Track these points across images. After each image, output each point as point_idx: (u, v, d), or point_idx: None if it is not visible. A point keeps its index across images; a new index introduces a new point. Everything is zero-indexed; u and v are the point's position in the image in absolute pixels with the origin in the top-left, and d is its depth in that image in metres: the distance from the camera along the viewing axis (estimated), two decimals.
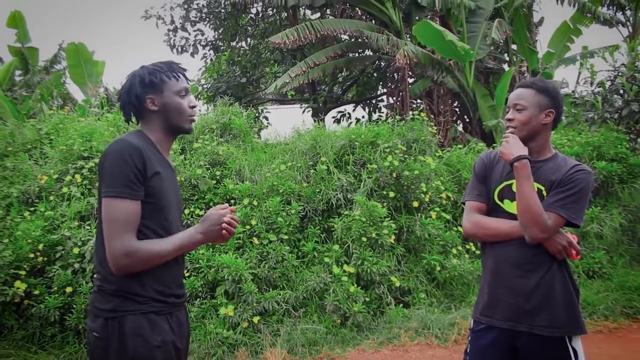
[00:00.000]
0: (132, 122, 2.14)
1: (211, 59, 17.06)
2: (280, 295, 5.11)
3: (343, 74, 16.32)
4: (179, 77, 2.07)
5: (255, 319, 4.87)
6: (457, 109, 13.12)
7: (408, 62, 9.92)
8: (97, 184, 5.49)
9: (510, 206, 2.34)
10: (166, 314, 1.96)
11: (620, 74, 9.21)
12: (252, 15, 16.06)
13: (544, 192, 2.28)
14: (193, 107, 2.10)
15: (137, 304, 1.88)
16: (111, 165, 1.86)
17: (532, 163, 2.28)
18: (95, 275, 1.98)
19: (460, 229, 6.18)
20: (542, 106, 2.31)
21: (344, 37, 13.86)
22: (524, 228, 2.22)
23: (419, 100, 13.34)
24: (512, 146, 2.28)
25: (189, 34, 16.09)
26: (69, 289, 4.69)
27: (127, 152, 1.86)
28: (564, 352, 2.21)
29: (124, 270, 1.84)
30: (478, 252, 6.08)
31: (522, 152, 2.25)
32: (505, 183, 2.37)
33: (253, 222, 5.45)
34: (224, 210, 1.99)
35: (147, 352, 1.86)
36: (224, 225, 1.96)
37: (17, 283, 4.60)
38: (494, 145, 8.61)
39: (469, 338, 2.43)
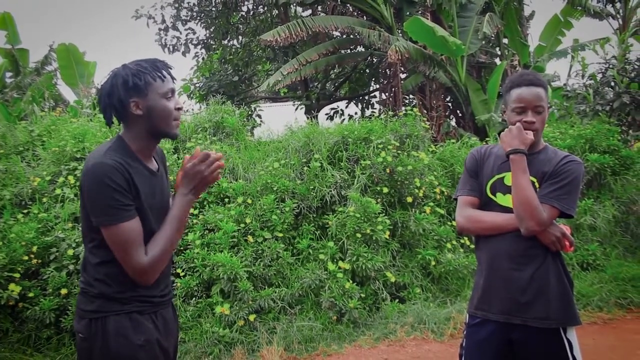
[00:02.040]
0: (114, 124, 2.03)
1: (203, 58, 17.01)
2: (275, 292, 5.11)
3: (335, 70, 16.31)
4: (165, 77, 1.96)
5: (252, 317, 4.87)
6: (449, 104, 13.14)
7: (400, 57, 9.92)
8: None
9: (502, 199, 2.35)
10: (150, 313, 1.96)
11: (611, 66, 9.26)
12: (243, 13, 16.02)
13: (536, 184, 2.29)
14: (179, 109, 2.00)
15: (120, 305, 1.88)
16: (96, 194, 1.81)
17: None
18: (80, 278, 1.99)
19: (454, 223, 6.19)
20: (548, 102, 2.34)
21: (336, 33, 13.83)
22: (520, 220, 2.22)
23: (411, 96, 13.36)
24: (514, 137, 2.27)
25: (180, 33, 16.05)
26: (63, 291, 4.67)
27: (107, 176, 1.79)
28: (559, 343, 2.23)
29: (148, 283, 1.87)
30: (472, 246, 6.09)
31: (520, 146, 2.25)
32: (497, 176, 2.38)
33: (247, 220, 5.44)
34: (199, 161, 1.95)
35: (130, 352, 1.87)
36: (214, 175, 1.97)
37: (12, 286, 4.58)
38: (487, 139, 8.63)
39: (465, 332, 2.44)
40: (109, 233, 1.82)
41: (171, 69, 2.02)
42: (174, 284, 4.93)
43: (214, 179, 2.00)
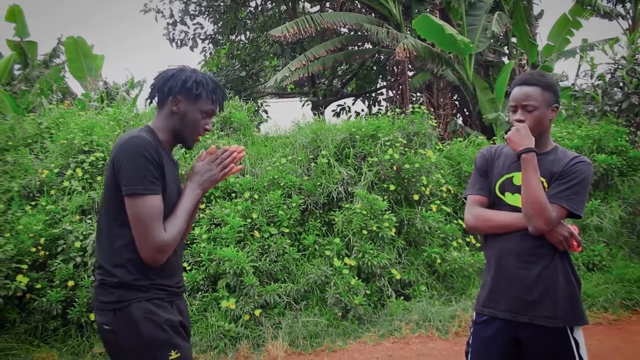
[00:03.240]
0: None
1: (210, 53, 17.04)
2: (281, 288, 5.13)
3: (343, 67, 16.31)
4: (215, 101, 2.09)
5: (257, 312, 4.89)
6: (456, 102, 13.14)
7: (408, 55, 9.92)
8: (97, 178, 5.52)
9: (511, 199, 2.35)
10: (168, 301, 2.00)
11: (620, 66, 9.20)
12: (251, 9, 16.03)
13: (545, 184, 2.29)
14: (206, 130, 2.12)
15: (140, 292, 1.91)
16: (131, 163, 1.87)
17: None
18: (96, 270, 2.00)
19: (460, 221, 6.19)
20: (548, 103, 2.31)
21: (344, 30, 13.84)
22: (529, 219, 2.23)
23: (418, 94, 13.36)
24: (522, 137, 2.27)
25: (188, 27, 16.08)
26: (70, 283, 4.71)
27: (144, 147, 1.88)
28: (566, 343, 2.23)
29: (159, 262, 1.90)
30: (478, 244, 6.09)
31: (531, 144, 2.25)
32: (506, 176, 2.38)
33: (254, 216, 5.46)
34: (210, 160, 2.11)
35: (162, 333, 1.90)
36: (223, 171, 2.10)
37: (19, 277, 4.62)
38: (494, 138, 8.61)
39: (471, 329, 2.44)
40: (136, 204, 1.85)
41: (225, 100, 2.22)
42: None
43: (223, 178, 2.13)
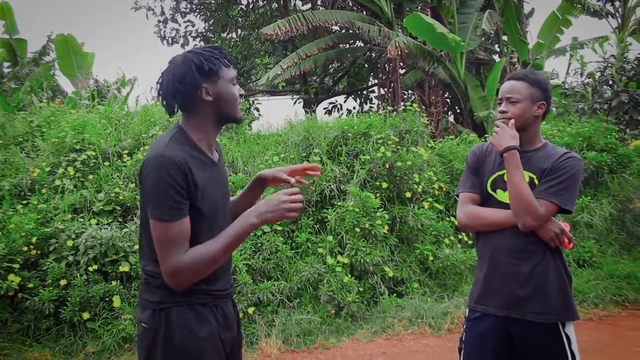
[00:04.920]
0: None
1: None
2: (274, 286, 5.13)
3: (334, 65, 16.31)
4: (229, 64, 1.95)
5: (250, 310, 4.89)
6: (448, 100, 13.18)
7: (399, 53, 9.95)
8: (89, 176, 5.49)
9: (503, 196, 2.37)
10: (212, 306, 1.94)
11: (609, 65, 9.29)
12: (243, 7, 16.00)
13: (536, 181, 2.31)
14: (242, 95, 2.00)
15: (182, 296, 1.85)
16: (153, 186, 1.78)
17: (523, 153, 2.33)
18: (142, 268, 1.95)
19: (452, 219, 6.22)
20: (534, 99, 2.35)
21: (335, 28, 13.85)
22: (517, 216, 2.25)
23: (410, 91, 13.38)
24: (501, 137, 2.32)
25: (179, 25, 16.04)
26: (63, 282, 4.68)
27: (167, 171, 1.75)
28: (558, 338, 2.25)
29: (179, 286, 1.81)
30: (470, 241, 6.12)
31: (511, 143, 2.29)
32: (497, 173, 2.40)
33: None
34: (289, 192, 1.89)
35: (193, 344, 1.84)
36: (290, 206, 1.86)
37: (11, 276, 4.59)
38: (486, 135, 8.66)
39: (464, 326, 2.46)
40: (156, 228, 1.78)
41: (232, 56, 2.00)
42: None
43: (290, 216, 1.90)
